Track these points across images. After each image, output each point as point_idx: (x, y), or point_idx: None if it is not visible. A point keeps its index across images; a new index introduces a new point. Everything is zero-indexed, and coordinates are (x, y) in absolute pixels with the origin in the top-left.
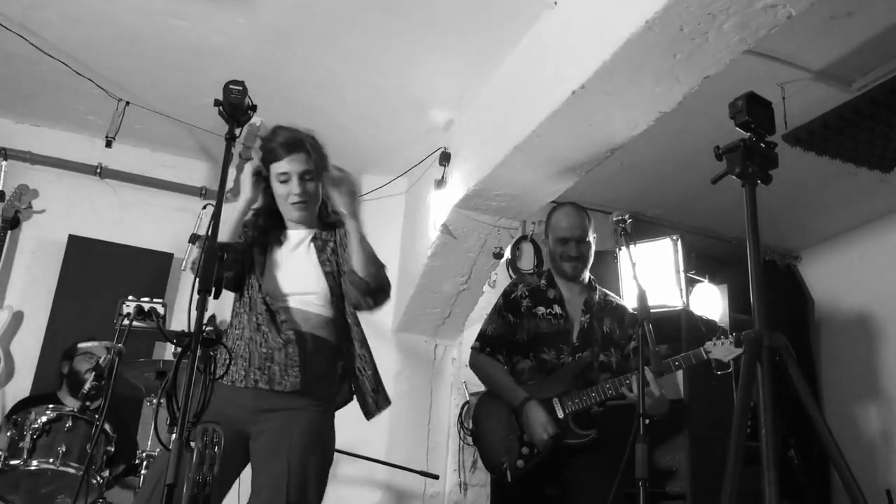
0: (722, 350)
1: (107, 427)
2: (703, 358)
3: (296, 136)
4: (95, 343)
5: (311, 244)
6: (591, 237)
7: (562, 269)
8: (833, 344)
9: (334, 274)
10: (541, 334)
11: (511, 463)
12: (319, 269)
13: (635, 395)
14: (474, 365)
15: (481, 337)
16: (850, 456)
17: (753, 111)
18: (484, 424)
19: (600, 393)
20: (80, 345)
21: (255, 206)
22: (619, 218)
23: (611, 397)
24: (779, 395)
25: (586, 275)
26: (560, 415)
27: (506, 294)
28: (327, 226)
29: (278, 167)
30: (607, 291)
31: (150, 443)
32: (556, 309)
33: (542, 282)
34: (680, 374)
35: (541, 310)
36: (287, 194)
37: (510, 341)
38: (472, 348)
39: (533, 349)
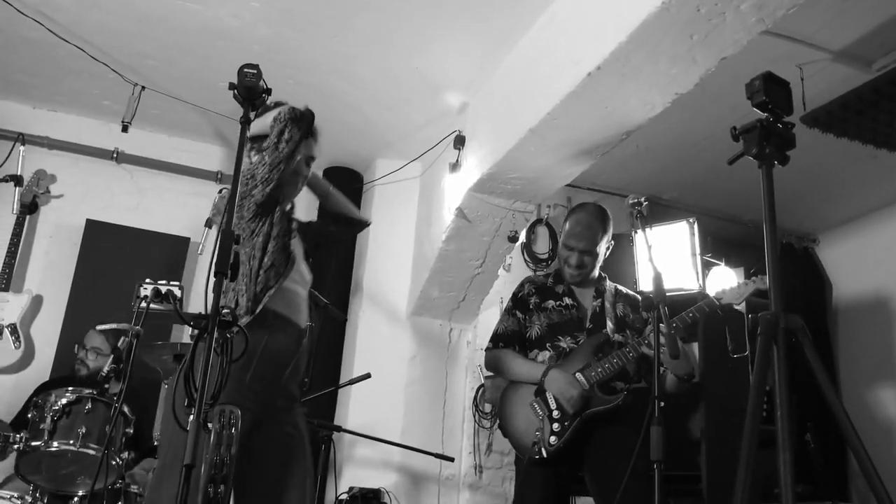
0: (733, 293)
1: (125, 409)
2: (716, 305)
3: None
4: (114, 325)
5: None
6: (602, 247)
7: (562, 271)
8: (850, 328)
9: None
10: (554, 325)
11: (544, 441)
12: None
13: (666, 355)
14: (490, 361)
15: (494, 336)
16: (866, 440)
17: (771, 91)
18: (510, 412)
19: (621, 357)
20: (98, 326)
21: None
22: (635, 201)
23: (632, 361)
24: (795, 379)
25: (595, 273)
26: (585, 386)
27: (514, 295)
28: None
29: (310, 149)
30: (617, 284)
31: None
32: (567, 300)
33: (550, 280)
34: (696, 356)
35: (550, 303)
36: (305, 176)
37: (522, 337)
38: (486, 349)
39: (549, 340)
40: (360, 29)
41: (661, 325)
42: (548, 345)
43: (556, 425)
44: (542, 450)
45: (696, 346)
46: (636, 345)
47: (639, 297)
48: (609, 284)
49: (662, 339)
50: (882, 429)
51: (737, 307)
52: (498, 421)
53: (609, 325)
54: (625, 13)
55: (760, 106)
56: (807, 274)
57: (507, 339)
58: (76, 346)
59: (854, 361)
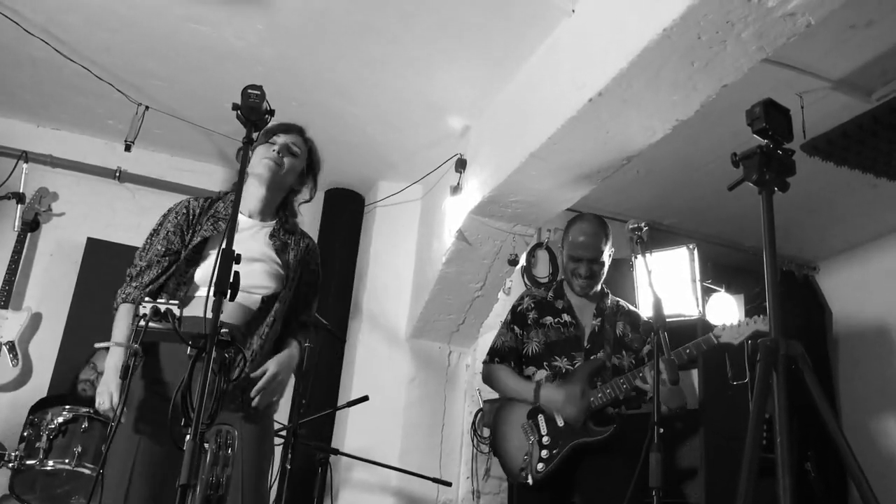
0: (731, 332)
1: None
2: (714, 343)
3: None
4: (112, 343)
5: (269, 238)
6: (607, 255)
7: (571, 284)
8: (851, 356)
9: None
10: (551, 343)
11: (532, 467)
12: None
13: (650, 384)
14: (486, 376)
15: (491, 351)
16: (867, 468)
17: (771, 117)
18: (501, 432)
19: (615, 389)
20: (97, 344)
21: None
22: (635, 226)
23: (626, 392)
24: (796, 406)
25: (599, 286)
26: (579, 404)
27: (513, 308)
28: (286, 229)
29: (271, 138)
30: (619, 299)
31: None
32: (566, 317)
33: (550, 294)
34: (696, 382)
35: (549, 319)
36: (265, 153)
37: (519, 353)
38: (483, 363)
39: (546, 358)
40: (363, 52)
41: (661, 353)
42: (544, 363)
43: (544, 452)
44: (529, 476)
45: (695, 373)
46: (631, 377)
47: (639, 312)
48: (610, 300)
49: (661, 366)
50: (883, 457)
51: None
52: (489, 442)
53: (606, 348)
54: (627, 40)
55: (761, 132)
56: (807, 301)
57: (503, 355)
58: (86, 365)
59: (854, 389)
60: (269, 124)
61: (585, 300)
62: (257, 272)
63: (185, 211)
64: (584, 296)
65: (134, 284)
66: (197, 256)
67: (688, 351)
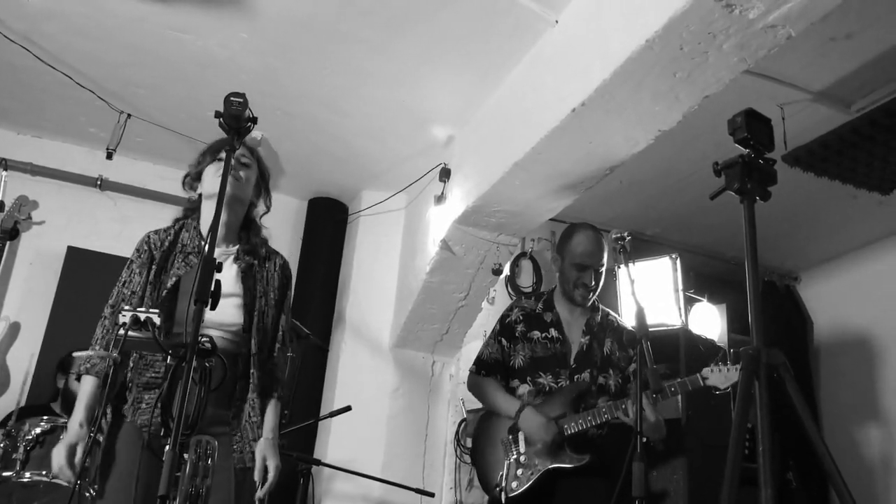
0: (719, 377)
1: (100, 439)
2: (700, 385)
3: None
4: (91, 353)
5: (234, 262)
6: (604, 266)
7: (572, 295)
8: (832, 366)
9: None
10: (537, 359)
11: (507, 486)
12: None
13: (631, 419)
14: (472, 387)
15: (478, 361)
16: (849, 478)
17: (752, 127)
18: (481, 444)
19: (596, 417)
20: (76, 354)
21: None
22: (619, 236)
23: (607, 422)
24: (778, 417)
25: (591, 299)
26: (556, 431)
27: (501, 319)
28: (251, 250)
29: (218, 155)
30: (609, 311)
31: None
32: (553, 332)
33: (539, 305)
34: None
35: (536, 334)
36: (217, 170)
37: (505, 366)
38: (470, 371)
39: (530, 374)
40: (348, 61)
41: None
42: (528, 378)
43: (520, 471)
44: (503, 494)
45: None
46: (613, 408)
47: (626, 327)
48: (600, 315)
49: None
50: (864, 467)
51: (722, 390)
52: (469, 452)
53: (592, 371)
54: (610, 51)
55: (742, 142)
56: (788, 312)
57: (489, 368)
58: (66, 377)
59: (835, 399)
60: (212, 143)
61: (576, 314)
62: (229, 308)
63: (146, 248)
64: (582, 306)
65: (98, 347)
66: (174, 296)
67: (672, 389)
